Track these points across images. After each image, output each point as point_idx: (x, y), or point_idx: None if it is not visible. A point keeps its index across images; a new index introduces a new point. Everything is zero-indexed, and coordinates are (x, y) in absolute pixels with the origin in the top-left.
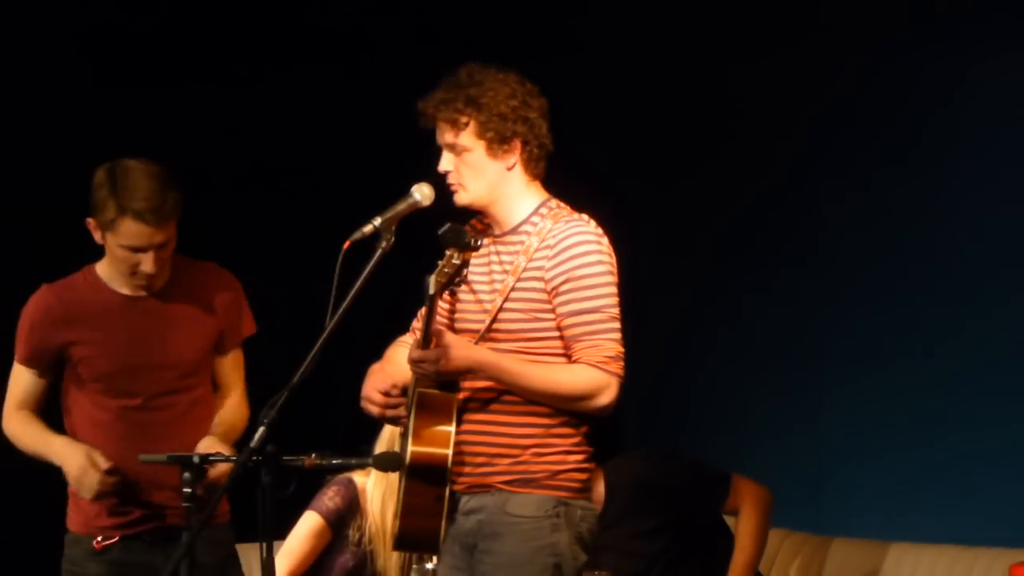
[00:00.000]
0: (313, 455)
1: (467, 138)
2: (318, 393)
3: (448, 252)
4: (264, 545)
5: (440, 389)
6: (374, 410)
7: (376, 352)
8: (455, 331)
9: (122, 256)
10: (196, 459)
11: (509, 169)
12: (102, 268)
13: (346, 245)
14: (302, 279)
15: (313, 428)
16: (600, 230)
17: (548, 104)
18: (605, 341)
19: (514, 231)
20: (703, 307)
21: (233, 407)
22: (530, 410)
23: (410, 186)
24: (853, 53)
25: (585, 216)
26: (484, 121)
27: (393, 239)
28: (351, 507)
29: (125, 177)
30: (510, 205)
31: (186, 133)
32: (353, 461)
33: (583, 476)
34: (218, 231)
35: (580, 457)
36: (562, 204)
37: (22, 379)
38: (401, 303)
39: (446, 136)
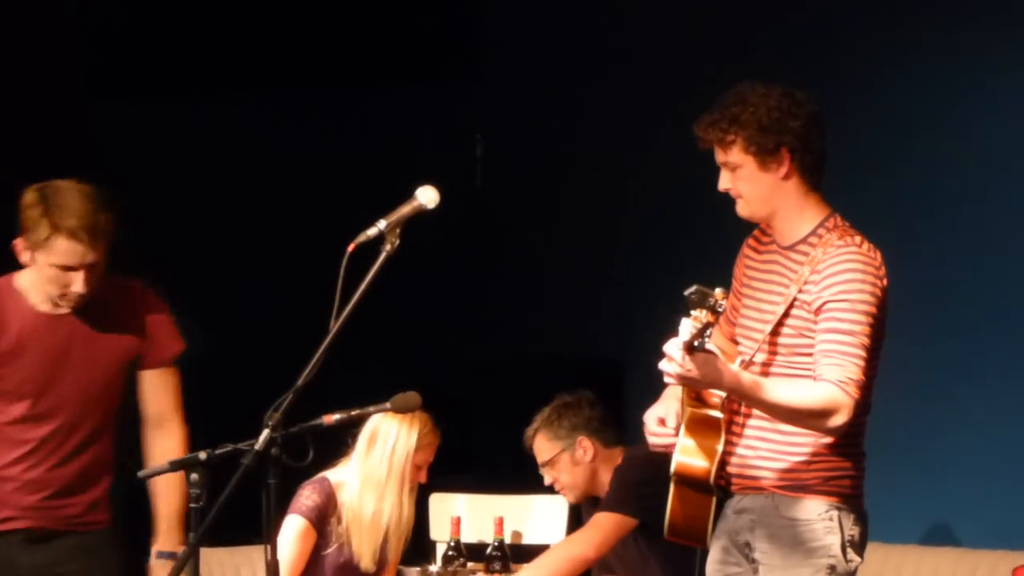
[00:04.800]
0: (332, 414)
1: (736, 155)
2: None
3: (695, 312)
4: (268, 547)
5: (707, 408)
6: (646, 433)
7: (375, 353)
8: (739, 331)
9: (52, 275)
10: (203, 456)
11: (784, 180)
12: (23, 281)
13: (351, 248)
14: (306, 282)
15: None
16: (873, 254)
17: (817, 110)
18: (850, 363)
19: (798, 244)
20: None
21: (170, 453)
22: None
23: (415, 189)
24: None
25: (859, 239)
26: (747, 136)
27: (398, 242)
28: (328, 502)
29: (57, 196)
30: (791, 217)
31: (188, 136)
32: (371, 408)
33: (855, 481)
34: (219, 232)
35: (852, 463)
36: (841, 221)
37: None
38: (403, 304)
39: (719, 155)
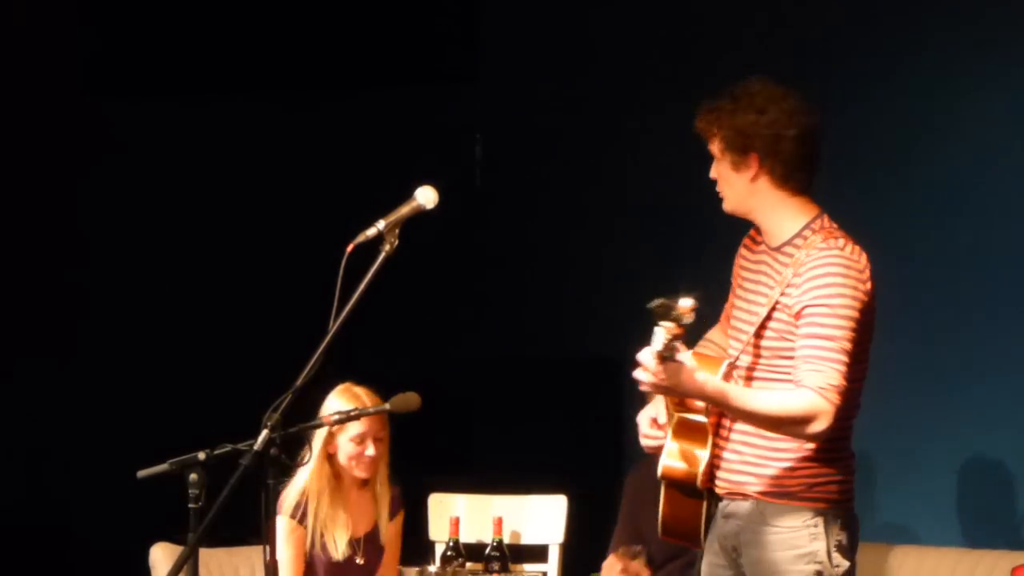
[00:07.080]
0: (331, 415)
1: (716, 150)
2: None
3: (660, 324)
4: (267, 547)
5: (691, 412)
6: (639, 435)
7: (374, 353)
8: (730, 331)
9: None
10: (202, 457)
11: (752, 182)
12: None
13: (350, 248)
14: (305, 282)
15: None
16: (856, 256)
17: (811, 122)
18: (830, 369)
19: (784, 246)
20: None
21: None
22: None
23: (414, 189)
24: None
25: (842, 241)
26: (723, 136)
27: (397, 242)
28: (301, 497)
29: None
30: (772, 217)
31: (187, 134)
32: (371, 408)
33: (842, 486)
34: (218, 231)
35: (836, 468)
36: (829, 223)
37: None
38: (402, 305)
39: (709, 144)
